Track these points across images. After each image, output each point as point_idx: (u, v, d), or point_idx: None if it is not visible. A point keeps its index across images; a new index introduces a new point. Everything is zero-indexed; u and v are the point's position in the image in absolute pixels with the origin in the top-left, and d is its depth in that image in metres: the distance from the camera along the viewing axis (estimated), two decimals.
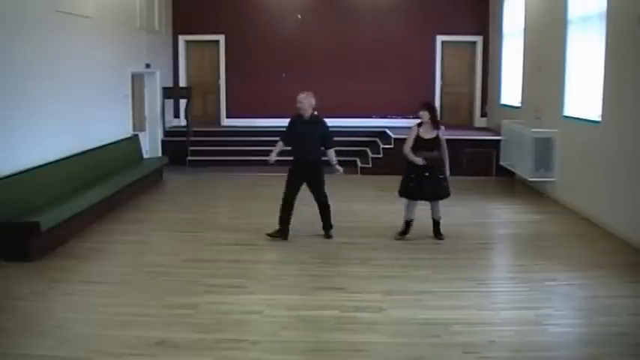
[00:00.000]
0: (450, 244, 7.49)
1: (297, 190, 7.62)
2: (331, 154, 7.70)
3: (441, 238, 7.60)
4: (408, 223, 7.61)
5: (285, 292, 5.92)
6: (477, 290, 5.96)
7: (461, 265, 6.70)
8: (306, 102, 7.51)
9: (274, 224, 7.58)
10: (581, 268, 6.55)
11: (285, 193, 7.59)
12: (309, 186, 7.66)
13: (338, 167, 7.68)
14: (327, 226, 7.71)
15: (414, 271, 6.47)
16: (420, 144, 7.39)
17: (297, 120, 7.64)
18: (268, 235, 7.57)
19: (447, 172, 7.44)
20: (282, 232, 7.58)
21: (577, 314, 5.48)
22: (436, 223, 7.64)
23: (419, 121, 7.47)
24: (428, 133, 7.40)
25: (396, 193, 7.62)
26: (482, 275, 6.54)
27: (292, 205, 7.58)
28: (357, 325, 5.12)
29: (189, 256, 7.00)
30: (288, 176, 7.65)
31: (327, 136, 7.64)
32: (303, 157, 7.56)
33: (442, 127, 7.46)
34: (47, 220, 6.84)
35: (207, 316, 5.28)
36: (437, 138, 7.38)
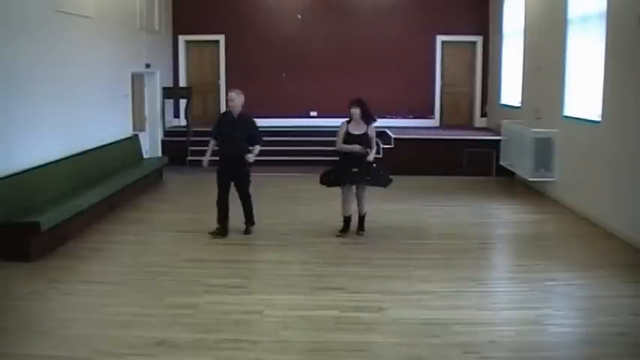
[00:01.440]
0: (450, 244, 7.49)
1: (229, 190, 7.71)
2: (256, 150, 7.69)
3: (361, 234, 7.71)
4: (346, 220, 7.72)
5: (285, 292, 5.92)
6: (477, 290, 5.96)
7: (461, 265, 6.70)
8: (238, 100, 7.58)
9: (274, 224, 7.59)
10: (581, 268, 6.55)
11: (219, 195, 7.68)
12: (235, 185, 7.73)
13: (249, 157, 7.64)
14: (249, 220, 7.81)
15: (414, 271, 6.47)
16: (349, 140, 7.52)
17: (226, 118, 7.73)
18: (210, 233, 7.66)
19: (371, 156, 7.49)
20: (221, 231, 7.68)
21: (577, 314, 5.48)
22: (361, 219, 7.73)
23: (347, 118, 7.61)
24: (356, 130, 7.51)
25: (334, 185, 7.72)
26: (483, 275, 6.55)
27: (227, 206, 7.70)
28: (357, 325, 5.12)
29: (189, 256, 6.99)
30: (219, 177, 7.70)
31: (256, 137, 7.71)
32: (229, 156, 7.60)
33: (374, 122, 7.59)
34: (47, 220, 6.84)
35: (207, 316, 5.28)
36: (365, 134, 7.50)
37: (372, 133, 7.57)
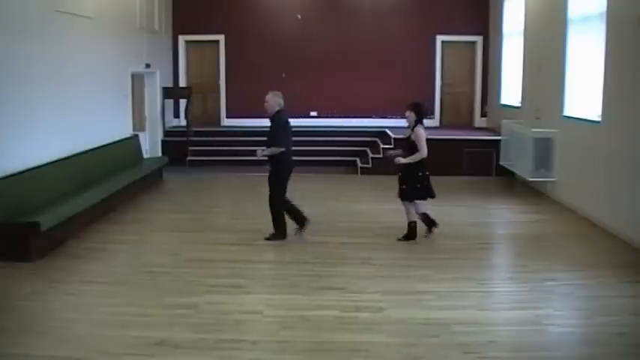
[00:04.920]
0: (450, 244, 7.49)
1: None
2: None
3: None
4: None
5: (285, 292, 5.92)
6: (478, 290, 5.96)
7: (461, 265, 6.70)
8: (272, 101, 7.40)
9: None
10: (581, 268, 6.55)
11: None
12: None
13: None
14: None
15: (414, 271, 6.47)
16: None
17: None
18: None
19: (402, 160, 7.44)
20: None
21: (577, 314, 5.49)
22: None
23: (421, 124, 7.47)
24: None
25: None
26: (483, 275, 6.54)
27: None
28: (357, 325, 5.12)
29: (189, 256, 6.99)
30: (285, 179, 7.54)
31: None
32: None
33: (418, 128, 7.42)
34: (47, 220, 6.83)
35: (207, 316, 5.28)
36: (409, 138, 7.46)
37: (414, 137, 7.38)
